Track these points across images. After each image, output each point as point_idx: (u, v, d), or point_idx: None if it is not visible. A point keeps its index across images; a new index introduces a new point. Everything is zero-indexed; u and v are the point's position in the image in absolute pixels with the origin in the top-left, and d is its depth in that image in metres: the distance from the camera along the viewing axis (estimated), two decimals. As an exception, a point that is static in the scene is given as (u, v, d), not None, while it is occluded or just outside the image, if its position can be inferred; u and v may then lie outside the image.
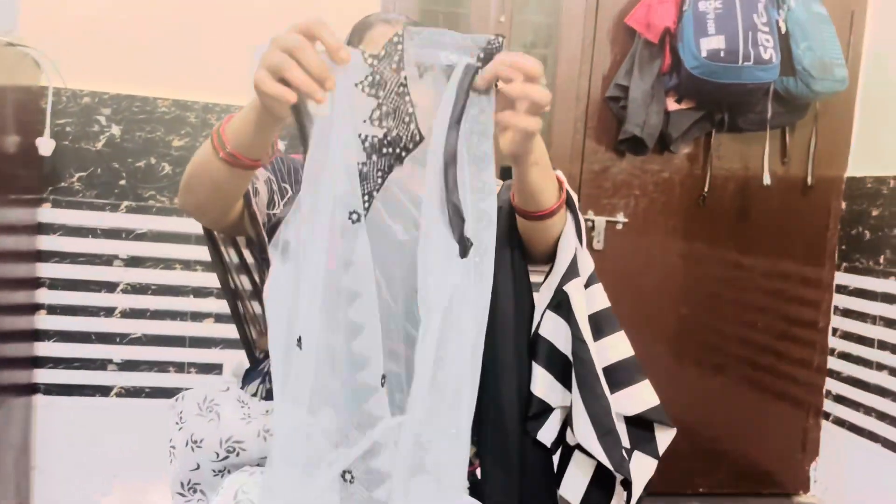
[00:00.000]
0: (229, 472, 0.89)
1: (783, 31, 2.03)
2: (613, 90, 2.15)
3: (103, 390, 1.93)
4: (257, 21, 1.93)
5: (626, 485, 0.91)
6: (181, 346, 1.97)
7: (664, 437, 0.95)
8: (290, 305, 0.68)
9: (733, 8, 1.95)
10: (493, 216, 0.74)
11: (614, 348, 0.94)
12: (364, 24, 1.08)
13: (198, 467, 0.89)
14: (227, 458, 0.88)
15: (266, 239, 0.95)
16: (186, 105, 1.93)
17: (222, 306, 1.96)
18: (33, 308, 1.87)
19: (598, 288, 0.96)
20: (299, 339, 0.67)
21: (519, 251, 0.96)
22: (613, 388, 0.93)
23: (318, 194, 0.66)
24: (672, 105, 2.13)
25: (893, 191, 2.19)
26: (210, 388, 0.95)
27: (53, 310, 1.89)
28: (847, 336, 2.34)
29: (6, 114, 1.63)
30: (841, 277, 2.38)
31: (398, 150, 0.70)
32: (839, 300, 2.39)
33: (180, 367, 1.97)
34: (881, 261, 2.22)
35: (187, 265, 1.96)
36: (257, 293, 1.18)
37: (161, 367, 1.96)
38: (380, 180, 0.70)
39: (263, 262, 1.11)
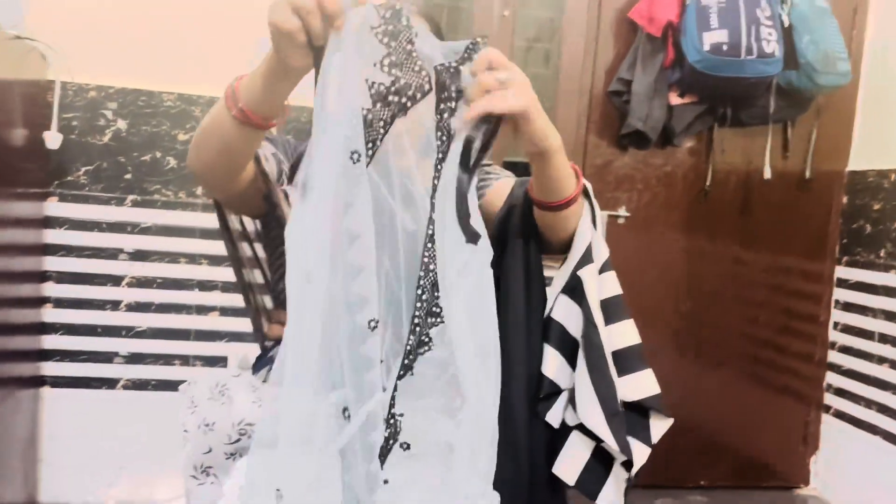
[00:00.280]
0: (241, 455, 0.90)
1: (786, 24, 2.04)
2: (616, 84, 2.16)
3: (110, 383, 1.94)
4: (263, 15, 1.92)
5: (628, 466, 0.92)
6: (186, 339, 1.98)
7: (660, 426, 0.96)
8: (304, 242, 0.70)
9: (736, 2, 1.96)
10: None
11: (623, 335, 0.96)
12: None
13: (210, 450, 0.90)
14: (239, 440, 0.89)
15: (277, 194, 0.97)
16: (192, 99, 1.94)
17: (227, 300, 1.99)
18: (40, 301, 1.88)
19: (612, 275, 0.97)
20: (309, 274, 0.69)
21: (535, 245, 0.97)
22: (619, 374, 0.94)
23: (324, 134, 0.69)
24: (675, 99, 2.13)
25: (895, 184, 2.20)
26: (221, 375, 0.96)
27: (60, 303, 1.90)
28: (848, 330, 2.35)
29: (13, 107, 1.64)
30: (842, 271, 2.39)
31: (404, 100, 0.71)
32: (840, 294, 2.40)
33: (185, 360, 1.98)
34: (882, 254, 2.22)
35: (192, 259, 1.97)
36: (267, 285, 1.19)
37: (167, 359, 1.97)
38: (382, 130, 0.71)
39: (274, 254, 1.12)
